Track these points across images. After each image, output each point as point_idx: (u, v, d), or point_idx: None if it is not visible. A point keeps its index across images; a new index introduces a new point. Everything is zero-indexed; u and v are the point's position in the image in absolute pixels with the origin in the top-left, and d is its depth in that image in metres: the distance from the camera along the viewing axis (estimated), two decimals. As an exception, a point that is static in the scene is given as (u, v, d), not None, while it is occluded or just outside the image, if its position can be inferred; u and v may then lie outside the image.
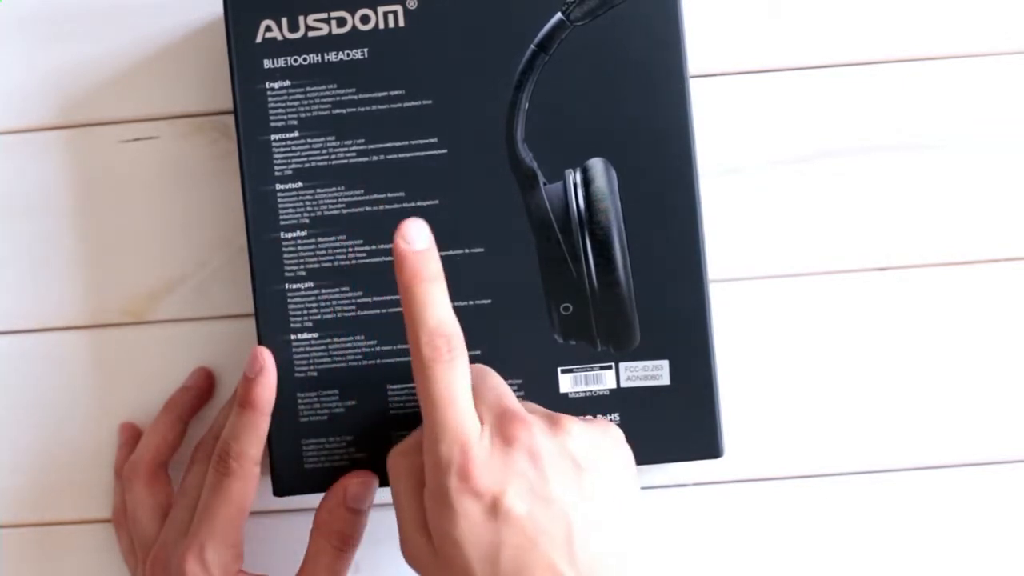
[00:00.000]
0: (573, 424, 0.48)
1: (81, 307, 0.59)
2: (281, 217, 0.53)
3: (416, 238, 0.46)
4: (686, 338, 0.53)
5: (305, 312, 0.53)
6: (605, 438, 0.49)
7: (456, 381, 0.46)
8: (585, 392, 0.53)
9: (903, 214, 0.57)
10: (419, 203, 0.53)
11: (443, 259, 0.50)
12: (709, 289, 0.53)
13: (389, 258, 0.53)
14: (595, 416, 0.53)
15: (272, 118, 0.53)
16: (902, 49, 0.57)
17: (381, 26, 0.53)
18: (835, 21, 0.57)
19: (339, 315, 0.53)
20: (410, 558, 0.48)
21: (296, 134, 0.53)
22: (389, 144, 0.53)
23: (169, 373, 0.58)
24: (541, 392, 0.53)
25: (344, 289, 0.53)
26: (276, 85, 0.53)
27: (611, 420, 0.53)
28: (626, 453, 0.50)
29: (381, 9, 0.53)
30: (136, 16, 0.58)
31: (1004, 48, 0.57)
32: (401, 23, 0.53)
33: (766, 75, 0.57)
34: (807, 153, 0.57)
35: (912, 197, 0.57)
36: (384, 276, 0.53)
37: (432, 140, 0.53)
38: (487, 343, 0.53)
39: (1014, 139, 0.57)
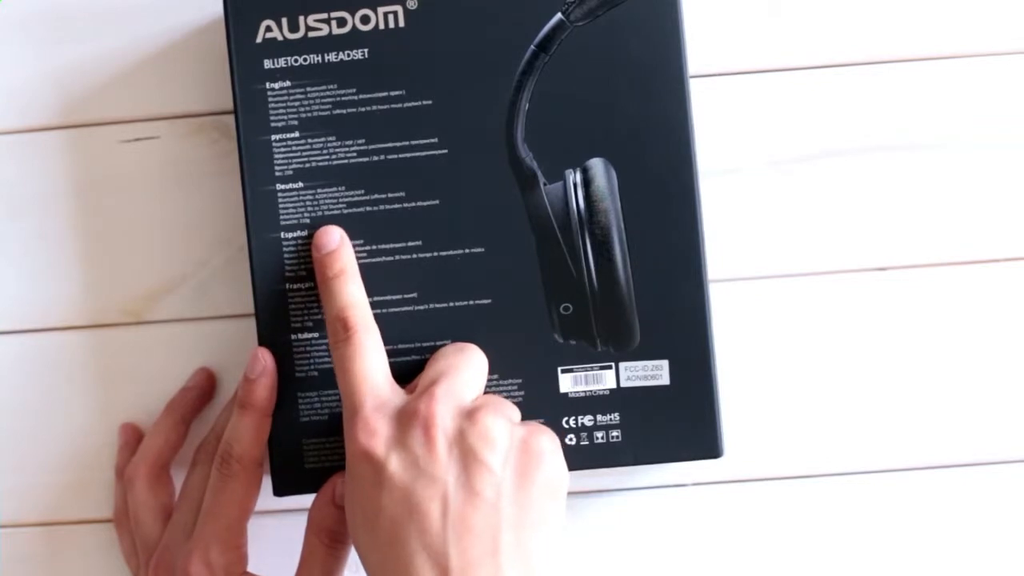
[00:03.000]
0: (487, 415, 0.48)
1: (81, 307, 0.59)
2: (281, 217, 0.53)
3: (324, 243, 0.52)
4: (686, 338, 0.53)
5: (305, 312, 0.53)
6: (521, 445, 0.48)
7: (352, 356, 0.49)
8: (585, 392, 0.53)
9: (903, 214, 0.57)
10: (419, 203, 0.53)
11: (443, 259, 0.52)
12: (709, 289, 0.53)
13: (389, 258, 0.53)
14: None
15: (272, 118, 0.53)
16: (902, 49, 0.57)
17: (381, 26, 0.53)
18: (835, 21, 0.57)
19: None
20: None
21: (296, 134, 0.53)
22: (389, 144, 0.53)
23: (169, 373, 0.58)
24: (541, 392, 0.53)
25: None
26: (276, 85, 0.53)
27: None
28: (545, 468, 0.48)
29: (381, 9, 0.53)
30: (136, 16, 0.58)
31: (1004, 48, 0.57)
32: (401, 23, 0.53)
33: (766, 75, 0.57)
34: (807, 153, 0.57)
35: (912, 197, 0.57)
36: (384, 276, 0.53)
37: (432, 140, 0.53)
38: (487, 343, 0.53)
39: (1014, 139, 0.57)
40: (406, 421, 0.48)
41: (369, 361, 0.49)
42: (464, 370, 0.50)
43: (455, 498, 0.46)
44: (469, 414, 0.48)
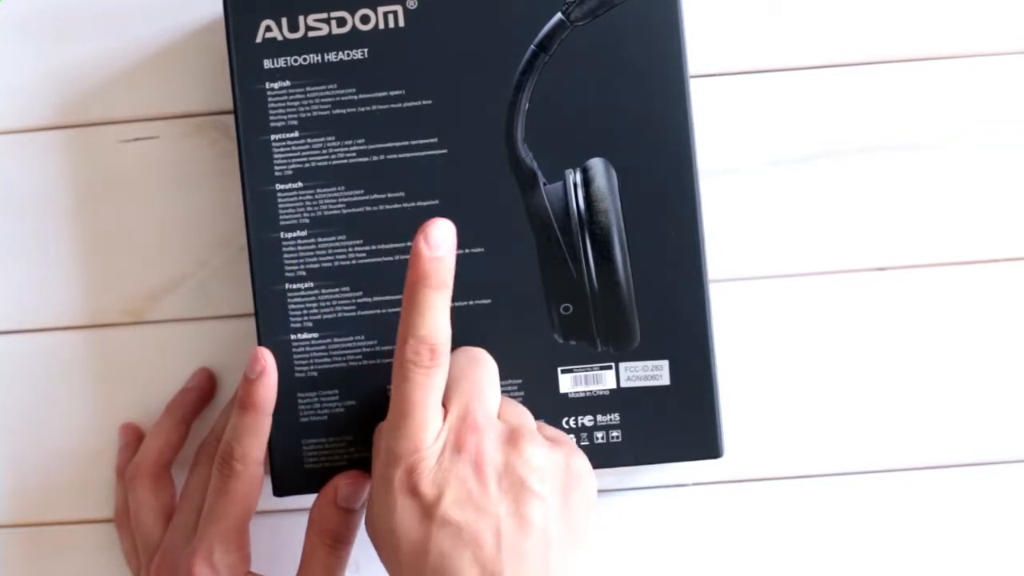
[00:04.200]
0: (529, 444, 0.48)
1: (81, 307, 0.59)
2: (281, 217, 0.53)
3: (438, 243, 0.47)
4: (686, 338, 0.53)
5: (305, 312, 0.53)
6: (564, 469, 0.49)
7: (429, 389, 0.48)
8: (585, 392, 0.53)
9: (903, 214, 0.57)
10: (419, 203, 0.53)
11: None
12: (709, 289, 0.53)
13: (389, 258, 0.53)
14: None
15: (272, 118, 0.53)
16: (902, 49, 0.57)
17: (381, 26, 0.53)
18: (835, 21, 0.57)
19: (339, 315, 0.53)
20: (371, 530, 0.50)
21: (296, 134, 0.53)
22: (389, 144, 0.53)
23: (169, 373, 0.58)
24: (541, 392, 0.53)
25: (344, 289, 0.53)
26: (276, 85, 0.53)
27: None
28: (584, 488, 0.49)
29: (381, 9, 0.53)
30: (136, 16, 0.58)
31: (1004, 48, 0.57)
32: (401, 23, 0.53)
33: (766, 75, 0.57)
34: (807, 153, 0.57)
35: (912, 197, 0.57)
36: (384, 276, 0.53)
37: (432, 140, 0.53)
38: (487, 343, 0.53)
39: (1014, 139, 0.57)
40: (454, 456, 0.48)
41: (434, 397, 0.48)
42: (488, 386, 0.50)
43: (508, 527, 0.47)
44: (511, 442, 0.48)
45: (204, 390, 0.58)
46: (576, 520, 0.48)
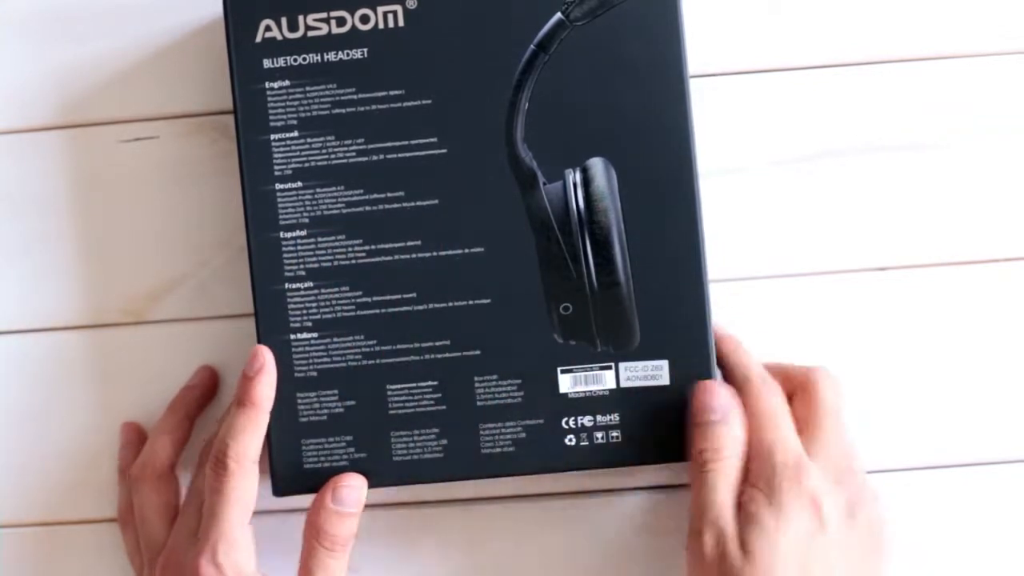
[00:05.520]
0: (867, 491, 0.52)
1: (81, 307, 0.59)
2: (281, 217, 0.53)
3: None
4: (686, 338, 0.53)
5: (305, 312, 0.53)
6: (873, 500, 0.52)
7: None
8: (585, 392, 0.53)
9: (903, 214, 0.57)
10: (419, 203, 0.53)
11: (443, 259, 0.53)
12: (709, 289, 0.53)
13: (389, 258, 0.53)
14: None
15: (272, 118, 0.53)
16: (902, 49, 0.57)
17: (381, 26, 0.53)
18: (835, 21, 0.57)
19: (339, 315, 0.53)
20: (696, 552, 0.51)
21: (296, 134, 0.53)
22: (389, 144, 0.53)
23: (169, 373, 0.58)
24: (540, 392, 0.53)
25: (344, 289, 0.53)
26: (276, 85, 0.53)
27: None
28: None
29: (381, 9, 0.53)
30: (136, 16, 0.58)
31: (1004, 48, 0.57)
32: (401, 23, 0.53)
33: (766, 75, 0.57)
34: (808, 153, 0.57)
35: (912, 197, 0.57)
36: (384, 275, 0.53)
37: (432, 140, 0.53)
38: (487, 343, 0.53)
39: (1014, 139, 0.57)
40: (833, 479, 0.50)
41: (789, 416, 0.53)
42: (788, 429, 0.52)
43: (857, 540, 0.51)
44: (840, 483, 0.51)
45: (207, 387, 0.58)
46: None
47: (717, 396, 0.51)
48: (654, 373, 0.53)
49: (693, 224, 0.53)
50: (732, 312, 0.57)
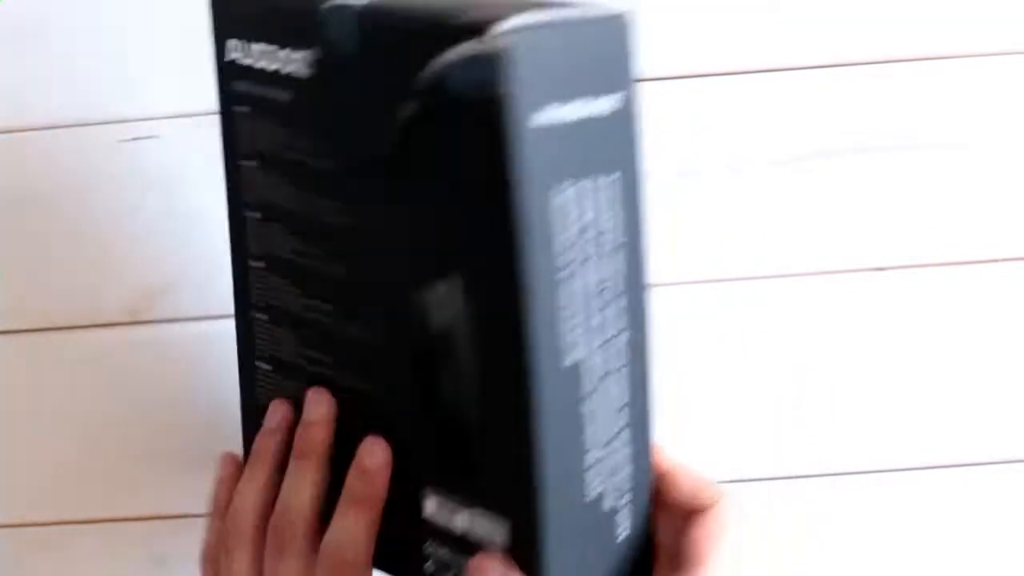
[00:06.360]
0: None
1: (81, 307, 0.59)
2: (250, 245, 0.48)
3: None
4: (514, 493, 0.39)
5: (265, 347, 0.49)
6: None
7: None
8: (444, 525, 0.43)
9: (902, 214, 0.57)
10: (332, 266, 0.45)
11: (349, 332, 0.45)
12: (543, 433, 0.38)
13: (315, 315, 0.46)
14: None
15: (239, 142, 0.47)
16: (902, 49, 0.57)
17: (297, 72, 0.44)
18: (834, 21, 0.57)
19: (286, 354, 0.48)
20: None
21: (255, 163, 0.47)
22: (309, 195, 0.44)
23: (169, 373, 0.58)
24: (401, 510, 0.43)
25: (287, 332, 0.48)
26: (241, 109, 0.46)
27: None
28: None
29: (299, 53, 0.43)
30: (136, 16, 0.58)
31: (1005, 48, 0.57)
32: (309, 72, 0.43)
33: (764, 75, 0.57)
34: (806, 153, 0.57)
35: (911, 197, 0.57)
36: (315, 332, 0.46)
37: (338, 204, 0.44)
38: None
39: (1014, 139, 0.57)
40: None
41: None
42: None
43: None
44: None
45: (291, 430, 0.47)
46: None
47: None
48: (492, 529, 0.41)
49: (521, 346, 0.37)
50: (729, 313, 0.57)
